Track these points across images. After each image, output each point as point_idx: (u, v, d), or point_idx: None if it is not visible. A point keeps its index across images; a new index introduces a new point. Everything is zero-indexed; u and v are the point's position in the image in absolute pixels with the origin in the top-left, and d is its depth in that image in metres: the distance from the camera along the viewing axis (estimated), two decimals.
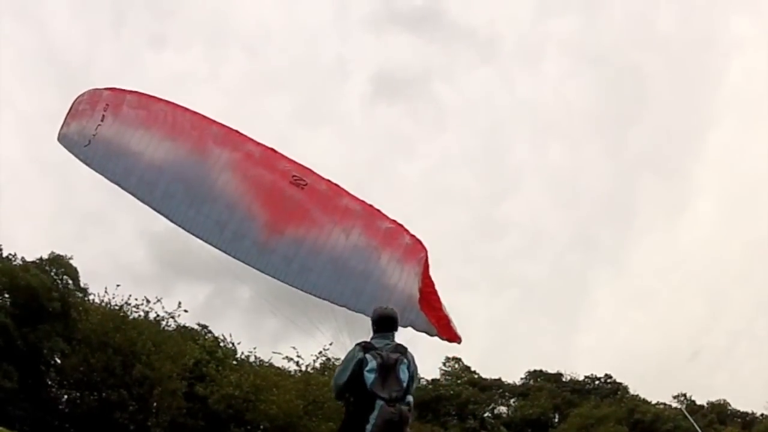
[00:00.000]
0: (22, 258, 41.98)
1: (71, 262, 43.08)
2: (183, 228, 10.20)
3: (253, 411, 41.64)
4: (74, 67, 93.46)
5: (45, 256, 42.68)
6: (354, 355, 8.09)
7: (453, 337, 10.05)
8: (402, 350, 8.24)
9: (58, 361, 40.63)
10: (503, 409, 72.24)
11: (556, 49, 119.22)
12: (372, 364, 7.90)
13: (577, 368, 76.37)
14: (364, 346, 8.13)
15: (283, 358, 45.21)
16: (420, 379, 8.73)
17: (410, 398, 7.96)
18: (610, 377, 73.82)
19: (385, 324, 8.46)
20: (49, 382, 41.50)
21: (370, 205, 10.05)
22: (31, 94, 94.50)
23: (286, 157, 10.08)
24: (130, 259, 79.43)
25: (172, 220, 10.27)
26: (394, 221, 9.99)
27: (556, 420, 69.20)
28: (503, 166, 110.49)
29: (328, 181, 10.05)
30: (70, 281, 42.84)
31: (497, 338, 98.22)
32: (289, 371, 45.81)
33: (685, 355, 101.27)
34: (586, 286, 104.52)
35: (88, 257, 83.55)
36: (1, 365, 36.70)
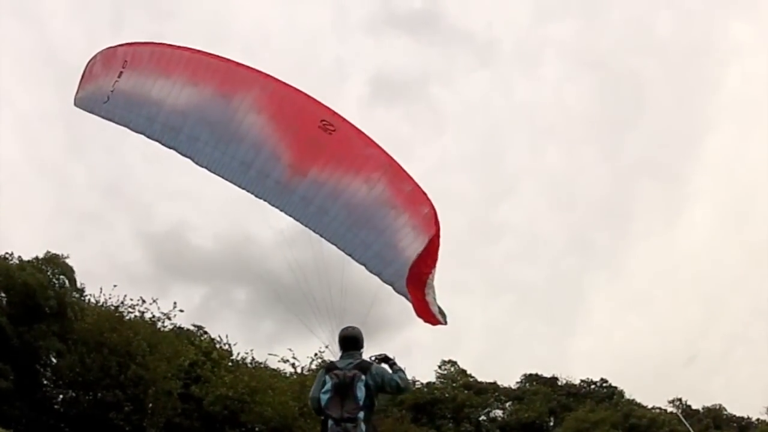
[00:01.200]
0: (19, 257, 41.95)
1: (67, 261, 43.03)
2: (209, 170, 10.23)
3: (249, 413, 41.61)
4: (72, 67, 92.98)
5: (41, 256, 42.61)
6: (319, 377, 8.73)
7: (430, 320, 9.91)
8: (364, 366, 8.63)
9: (54, 360, 40.53)
10: (499, 412, 72.31)
11: (554, 53, 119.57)
12: (328, 385, 8.45)
13: (572, 372, 76.67)
14: (327, 367, 8.73)
15: (279, 360, 45.29)
16: (400, 383, 8.88)
17: (361, 414, 8.30)
18: (606, 381, 73.96)
19: (347, 344, 8.99)
20: (45, 382, 41.40)
21: (397, 163, 9.97)
22: (30, 93, 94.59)
23: (316, 101, 10.03)
24: (126, 260, 79.61)
25: (197, 163, 10.29)
26: (417, 185, 9.92)
27: (552, 424, 69.28)
28: (500, 170, 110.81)
29: (358, 130, 9.99)
30: (66, 281, 42.76)
31: (493, 342, 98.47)
32: (285, 373, 45.82)
33: (681, 360, 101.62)
34: (582, 290, 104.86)
35: (84, 257, 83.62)
36: None
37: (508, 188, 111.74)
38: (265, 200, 10.15)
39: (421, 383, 70.12)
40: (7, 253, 41.93)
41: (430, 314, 9.79)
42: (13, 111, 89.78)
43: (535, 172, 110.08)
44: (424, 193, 9.86)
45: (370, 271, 10.13)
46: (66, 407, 40.63)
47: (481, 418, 69.76)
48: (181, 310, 44.54)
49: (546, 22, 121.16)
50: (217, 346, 48.74)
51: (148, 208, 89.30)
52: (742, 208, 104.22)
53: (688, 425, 47.73)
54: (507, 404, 72.70)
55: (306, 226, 10.13)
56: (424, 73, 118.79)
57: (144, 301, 42.38)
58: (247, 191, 10.16)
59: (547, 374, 74.88)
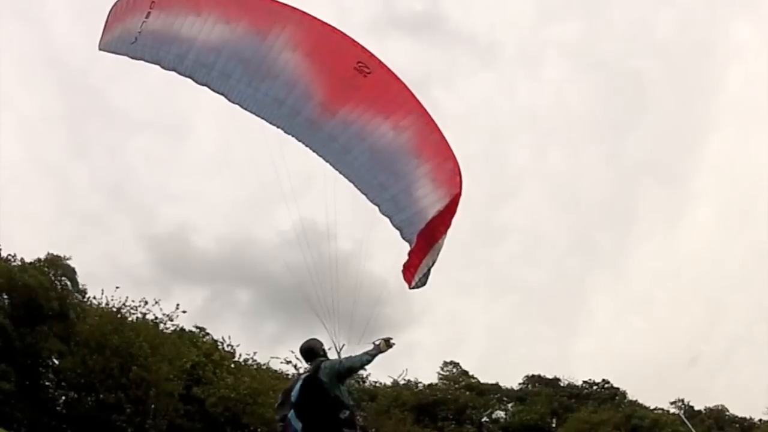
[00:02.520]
0: (21, 259, 42.01)
1: (69, 263, 43.08)
2: (241, 106, 10.11)
3: (250, 414, 41.62)
4: (75, 70, 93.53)
5: (43, 257, 42.67)
6: None
7: (407, 279, 9.97)
8: (316, 366, 9.06)
9: (56, 362, 40.57)
10: (501, 413, 72.20)
11: (556, 54, 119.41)
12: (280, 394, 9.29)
13: (575, 373, 76.46)
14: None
15: (281, 362, 45.26)
16: (344, 362, 9.14)
17: (292, 413, 8.78)
18: (608, 382, 73.84)
19: (306, 356, 9.54)
20: (47, 383, 41.45)
21: (428, 114, 9.94)
22: (32, 95, 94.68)
23: (353, 41, 9.91)
24: (129, 261, 79.70)
25: (230, 99, 10.16)
26: (445, 139, 9.90)
27: (554, 425, 69.19)
28: (503, 171, 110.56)
29: (395, 76, 9.91)
30: (69, 282, 42.81)
31: (495, 343, 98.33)
32: (287, 375, 45.79)
33: (684, 361, 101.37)
34: (584, 291, 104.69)
35: (87, 259, 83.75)
36: (0, 366, 36.68)
37: (510, 190, 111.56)
38: (293, 136, 10.09)
39: (424, 384, 70.10)
40: (9, 254, 42.04)
41: (411, 275, 9.86)
42: (16, 113, 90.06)
43: (538, 173, 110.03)
44: (450, 149, 9.84)
45: (382, 213, 10.13)
46: (68, 409, 40.69)
47: (483, 420, 69.66)
48: (184, 311, 44.54)
49: (548, 23, 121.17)
50: (219, 347, 48.76)
51: (151, 209, 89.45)
52: (745, 209, 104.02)
53: (690, 426, 47.70)
54: (509, 405, 72.61)
55: (327, 161, 10.10)
56: (426, 75, 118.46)
57: (147, 303, 42.41)
58: (277, 127, 10.08)
59: (550, 375, 74.85)
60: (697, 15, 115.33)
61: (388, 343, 8.93)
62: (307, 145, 10.10)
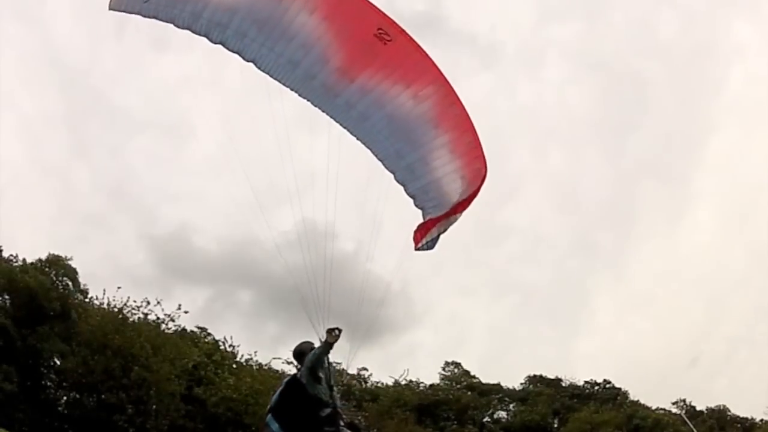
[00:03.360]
0: (23, 259, 42.04)
1: (70, 263, 43.08)
2: (255, 65, 10.00)
3: (252, 415, 41.61)
4: (76, 70, 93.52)
5: (44, 258, 42.68)
6: None
7: (415, 238, 10.01)
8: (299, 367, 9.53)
9: (57, 362, 40.58)
10: (503, 413, 72.17)
11: (557, 55, 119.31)
12: None
13: (576, 373, 76.36)
14: None
15: (283, 363, 45.27)
16: (308, 366, 9.43)
17: (269, 416, 9.18)
18: (610, 382, 73.78)
19: (297, 359, 9.87)
20: (48, 384, 41.46)
21: (449, 85, 9.82)
22: (33, 96, 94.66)
23: (375, 8, 9.76)
24: (130, 262, 79.57)
25: (245, 58, 10.05)
26: (465, 111, 9.82)
27: (556, 425, 69.16)
28: (504, 172, 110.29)
29: (416, 44, 9.76)
30: (70, 282, 42.82)
31: (497, 343, 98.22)
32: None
33: (685, 361, 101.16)
34: (586, 291, 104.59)
35: (88, 260, 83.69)
36: (1, 367, 36.68)
37: (511, 190, 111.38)
38: (309, 101, 9.96)
39: (425, 385, 70.08)
40: (11, 255, 42.08)
41: (421, 236, 9.87)
42: (17, 113, 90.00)
43: (539, 173, 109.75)
44: (470, 121, 9.78)
45: (397, 181, 10.11)
46: (69, 409, 40.67)
47: (485, 420, 69.62)
48: (186, 312, 44.60)
49: (549, 24, 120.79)
50: (221, 347, 48.78)
51: (152, 210, 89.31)
52: (746, 209, 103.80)
53: (692, 426, 47.62)
54: (511, 405, 72.57)
55: (344, 128, 10.03)
56: None
57: (149, 303, 42.44)
58: (292, 90, 9.95)
59: (551, 375, 74.73)
60: (698, 15, 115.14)
61: (331, 334, 8.98)
62: (323, 111, 9.98)
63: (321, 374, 9.21)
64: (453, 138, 9.76)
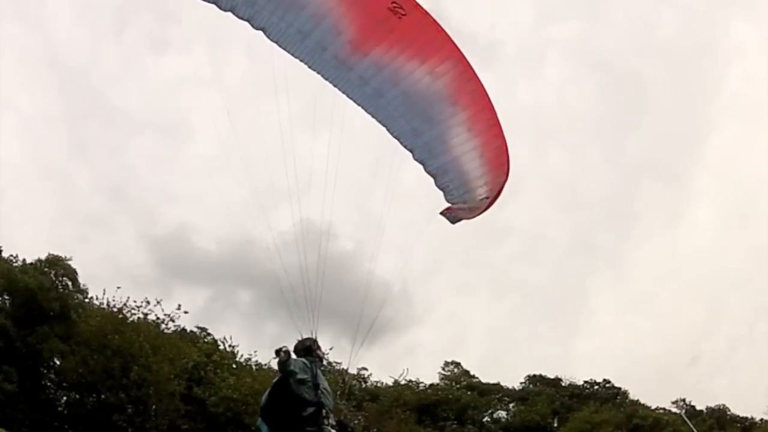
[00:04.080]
0: (23, 260, 42.05)
1: (70, 263, 43.09)
2: (265, 34, 9.72)
3: (252, 414, 41.60)
4: (76, 70, 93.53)
5: (43, 258, 42.69)
6: None
7: (445, 209, 10.03)
8: None
9: (57, 362, 40.59)
10: (502, 413, 72.18)
11: (557, 54, 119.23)
12: None
13: (576, 373, 76.41)
14: None
15: None
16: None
17: (258, 420, 9.43)
18: (609, 382, 73.82)
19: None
20: (48, 384, 41.46)
21: (466, 60, 9.54)
22: (33, 96, 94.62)
23: None
24: (130, 262, 79.59)
25: (255, 26, 9.80)
26: (483, 87, 9.59)
27: (555, 425, 69.16)
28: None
29: (431, 19, 9.49)
30: (69, 283, 42.83)
31: (497, 343, 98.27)
32: None
33: (685, 360, 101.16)
34: (585, 291, 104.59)
35: (88, 260, 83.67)
36: (1, 367, 36.69)
37: (511, 190, 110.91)
38: (319, 74, 9.68)
39: (425, 384, 70.10)
40: (11, 255, 42.10)
41: (448, 209, 9.91)
42: (17, 114, 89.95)
43: (539, 173, 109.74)
44: (488, 97, 9.55)
45: (415, 159, 9.91)
46: (69, 409, 40.70)
47: (484, 420, 69.63)
48: (186, 312, 44.65)
49: (549, 23, 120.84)
50: (221, 347, 48.80)
51: (152, 210, 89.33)
52: (746, 208, 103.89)
53: (691, 425, 47.59)
54: (511, 405, 72.59)
55: (358, 105, 9.78)
56: None
57: (148, 303, 42.47)
58: (302, 61, 9.66)
59: (551, 375, 74.76)
60: (697, 15, 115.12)
61: (278, 355, 9.20)
62: (335, 85, 9.70)
63: (302, 376, 9.23)
64: (471, 115, 9.54)
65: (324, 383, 9.52)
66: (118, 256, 79.07)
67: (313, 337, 9.72)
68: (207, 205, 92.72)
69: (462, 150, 9.57)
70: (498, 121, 9.53)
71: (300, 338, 9.78)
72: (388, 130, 9.86)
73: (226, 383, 42.71)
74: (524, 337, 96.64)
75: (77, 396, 40.55)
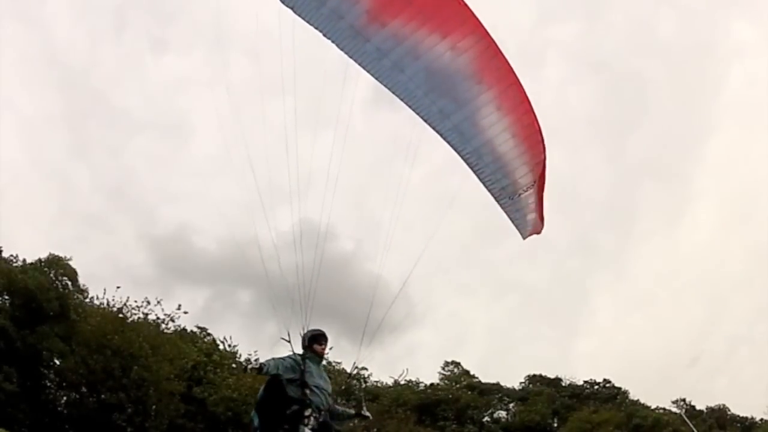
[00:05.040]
0: (23, 260, 42.05)
1: (70, 263, 43.10)
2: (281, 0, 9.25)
3: None
4: (76, 71, 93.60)
5: (43, 258, 42.70)
6: None
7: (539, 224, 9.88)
8: None
9: (57, 362, 40.59)
10: (502, 413, 72.23)
11: (557, 54, 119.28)
12: None
13: (576, 373, 76.53)
14: None
15: None
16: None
17: (252, 412, 9.59)
18: (609, 382, 73.85)
19: None
20: (48, 384, 41.47)
21: (490, 36, 9.09)
22: (33, 96, 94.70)
23: None
24: (130, 262, 79.67)
25: None
26: (508, 63, 9.16)
27: (555, 424, 69.19)
28: None
29: None
30: (69, 282, 42.83)
31: (497, 343, 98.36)
32: None
33: (685, 360, 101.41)
34: (585, 291, 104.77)
35: (88, 260, 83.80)
36: (1, 367, 36.69)
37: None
38: (335, 43, 9.19)
39: (425, 384, 70.14)
40: (11, 255, 42.11)
41: (541, 218, 9.70)
42: (17, 114, 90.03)
43: None
44: (514, 73, 9.17)
45: (447, 143, 9.53)
46: (69, 409, 40.71)
47: (484, 419, 69.67)
48: (185, 312, 44.62)
49: (549, 24, 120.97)
50: (221, 347, 48.80)
51: (152, 210, 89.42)
52: (745, 208, 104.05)
53: (691, 425, 47.56)
54: (510, 405, 72.64)
55: (377, 80, 9.29)
56: None
57: (148, 303, 42.46)
58: (318, 30, 9.18)
59: (551, 375, 74.83)
60: (697, 15, 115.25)
61: (244, 370, 9.38)
62: (350, 56, 9.24)
63: (289, 375, 9.35)
64: (498, 93, 9.11)
65: (316, 381, 9.51)
66: (118, 256, 79.31)
67: (307, 334, 9.68)
68: (207, 204, 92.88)
69: (494, 131, 9.19)
70: (527, 97, 9.16)
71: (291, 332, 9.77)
72: (411, 109, 9.37)
73: (226, 383, 42.70)
74: (524, 337, 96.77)
75: (77, 396, 40.56)
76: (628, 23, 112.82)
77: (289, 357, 9.50)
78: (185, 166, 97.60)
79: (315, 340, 9.75)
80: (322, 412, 9.39)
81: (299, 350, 9.60)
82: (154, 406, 39.99)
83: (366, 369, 66.24)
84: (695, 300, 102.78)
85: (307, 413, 9.18)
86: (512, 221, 10.07)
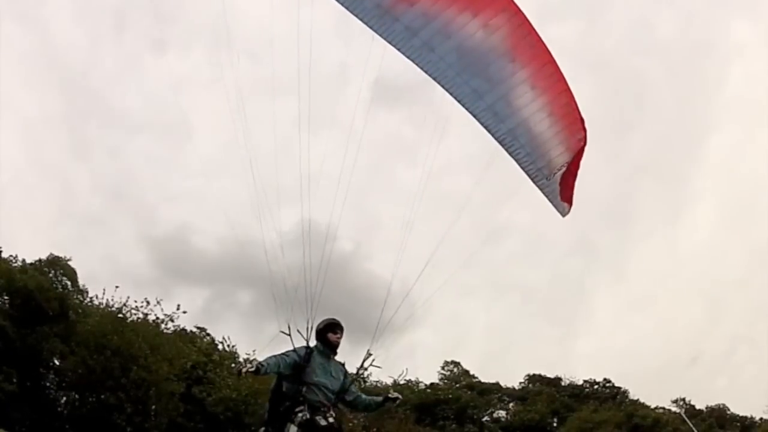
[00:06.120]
0: (23, 260, 42.03)
1: (70, 263, 43.07)
2: None
3: (252, 414, 41.58)
4: (76, 71, 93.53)
5: (43, 258, 42.67)
6: None
7: (566, 203, 9.76)
8: None
9: (57, 362, 40.58)
10: (502, 413, 72.27)
11: (556, 54, 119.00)
12: None
13: (576, 372, 76.57)
14: None
15: None
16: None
17: (267, 404, 9.85)
18: (609, 381, 73.90)
19: None
20: (48, 384, 41.46)
21: (523, 13, 8.94)
22: (32, 97, 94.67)
23: None
24: (130, 262, 79.62)
25: None
26: (542, 40, 9.00)
27: (555, 424, 69.22)
28: (504, 171, 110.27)
29: None
30: (69, 282, 42.81)
31: (496, 342, 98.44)
32: None
33: (685, 360, 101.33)
34: (585, 290, 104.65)
35: (88, 260, 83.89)
36: (1, 368, 36.67)
37: (511, 189, 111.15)
38: (362, 21, 8.92)
39: (425, 384, 70.15)
40: (11, 255, 42.08)
41: (570, 197, 9.52)
42: (17, 114, 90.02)
43: None
44: (549, 52, 8.99)
45: (481, 124, 9.29)
46: (69, 409, 40.68)
47: (484, 419, 69.70)
48: (185, 312, 44.59)
49: (547, 22, 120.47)
50: (220, 347, 48.79)
51: (152, 210, 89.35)
52: (745, 208, 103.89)
53: (691, 425, 47.62)
54: (510, 405, 72.69)
55: (409, 58, 9.05)
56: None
57: (148, 303, 42.42)
58: (344, 7, 8.92)
59: (551, 375, 74.94)
60: (697, 14, 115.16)
61: (239, 373, 9.86)
62: (380, 35, 8.97)
63: (288, 372, 9.38)
64: (533, 72, 8.91)
65: (318, 377, 9.38)
66: (117, 256, 79.23)
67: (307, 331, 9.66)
68: (207, 205, 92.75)
69: (530, 111, 8.94)
70: (562, 75, 8.96)
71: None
72: (447, 91, 9.13)
73: (226, 383, 42.68)
74: (524, 336, 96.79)
75: (77, 396, 40.53)
76: (627, 23, 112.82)
77: (293, 351, 9.43)
78: (185, 166, 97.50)
79: (329, 329, 9.60)
80: (321, 409, 9.27)
81: (299, 345, 9.57)
82: (153, 406, 39.96)
83: (365, 369, 66.26)
84: (695, 300, 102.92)
85: (298, 410, 9.12)
86: (550, 201, 9.85)
